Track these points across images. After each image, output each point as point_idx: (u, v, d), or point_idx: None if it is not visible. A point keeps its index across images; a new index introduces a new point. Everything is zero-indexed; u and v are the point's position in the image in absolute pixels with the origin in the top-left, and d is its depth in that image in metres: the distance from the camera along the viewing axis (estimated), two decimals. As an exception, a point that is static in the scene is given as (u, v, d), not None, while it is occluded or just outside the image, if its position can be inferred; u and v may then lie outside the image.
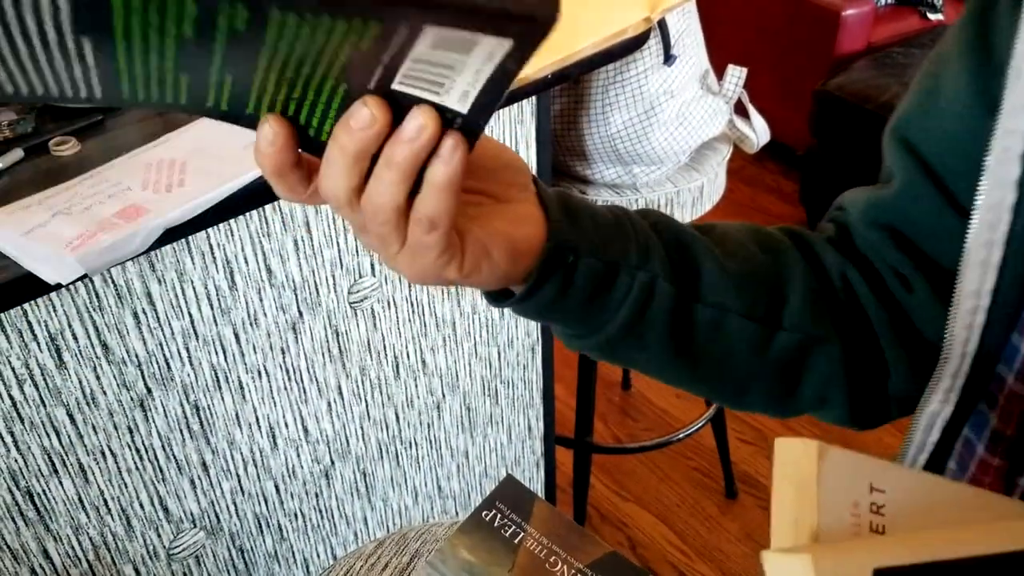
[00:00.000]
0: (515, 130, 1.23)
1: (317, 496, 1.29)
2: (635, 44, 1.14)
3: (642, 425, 2.19)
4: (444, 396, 1.38)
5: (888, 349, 0.53)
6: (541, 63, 1.03)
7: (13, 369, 0.92)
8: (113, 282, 0.95)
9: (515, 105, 1.21)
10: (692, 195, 1.56)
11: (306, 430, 1.22)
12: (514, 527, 0.84)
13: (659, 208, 1.54)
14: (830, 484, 0.37)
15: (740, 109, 1.59)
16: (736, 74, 1.51)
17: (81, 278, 0.78)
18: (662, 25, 1.38)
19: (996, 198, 0.44)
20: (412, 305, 1.25)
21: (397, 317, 1.25)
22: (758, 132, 1.61)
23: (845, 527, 0.35)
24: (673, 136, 1.46)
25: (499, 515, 0.85)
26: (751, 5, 2.74)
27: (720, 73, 1.54)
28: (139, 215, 0.80)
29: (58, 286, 0.77)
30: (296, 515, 1.28)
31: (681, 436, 1.78)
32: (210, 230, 0.99)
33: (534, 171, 1.29)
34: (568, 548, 0.82)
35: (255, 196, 0.88)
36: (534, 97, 1.21)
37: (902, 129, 0.52)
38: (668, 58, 1.41)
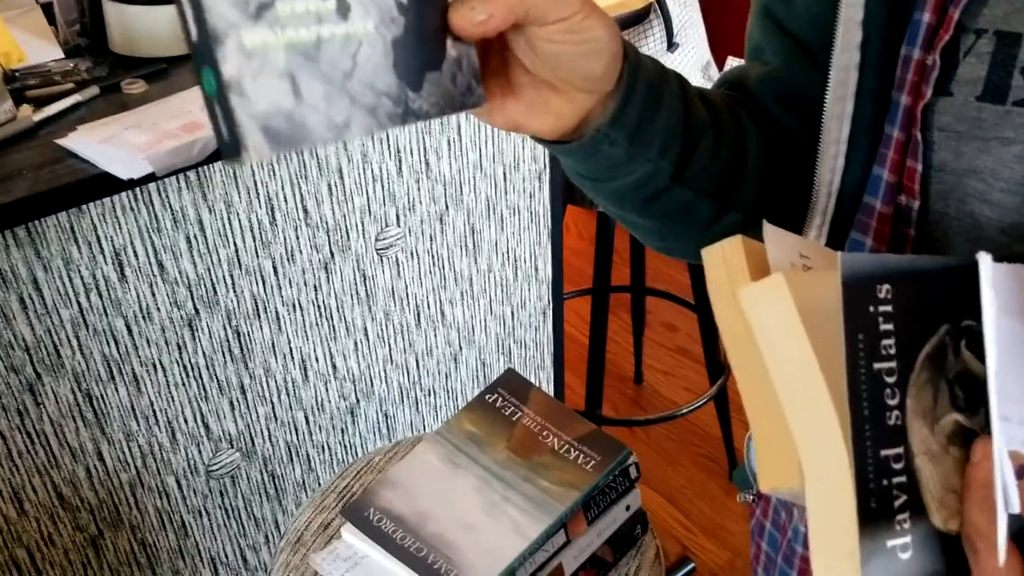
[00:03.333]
0: (528, 100, 1.37)
1: (343, 432, 1.41)
2: (635, 19, 1.28)
3: (652, 415, 2.28)
4: (461, 349, 1.50)
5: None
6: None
7: (82, 278, 1.06)
8: (170, 206, 1.09)
9: (528, 76, 1.34)
10: (695, 177, 1.68)
11: (334, 366, 1.35)
12: (513, 408, 0.95)
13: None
14: (774, 250, 0.47)
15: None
16: (735, 64, 1.65)
17: (149, 178, 0.92)
18: (665, 14, 1.51)
19: (845, 60, 0.54)
20: (433, 258, 1.38)
21: (419, 268, 1.37)
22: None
23: None
24: (676, 119, 1.59)
25: (500, 398, 0.97)
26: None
27: (721, 65, 1.68)
28: (199, 129, 0.94)
29: (130, 182, 0.91)
30: (323, 448, 1.39)
31: (684, 411, 1.88)
32: (255, 168, 1.13)
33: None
34: (559, 425, 0.93)
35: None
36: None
37: (772, 14, 0.62)
38: (671, 45, 1.54)
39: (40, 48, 1.12)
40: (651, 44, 1.52)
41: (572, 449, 0.91)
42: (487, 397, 0.96)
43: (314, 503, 1.03)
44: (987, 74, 0.50)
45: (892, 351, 0.40)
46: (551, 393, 1.69)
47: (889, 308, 0.40)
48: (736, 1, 2.96)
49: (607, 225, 1.69)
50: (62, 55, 1.13)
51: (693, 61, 1.61)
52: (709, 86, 1.72)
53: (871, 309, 0.40)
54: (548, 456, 0.90)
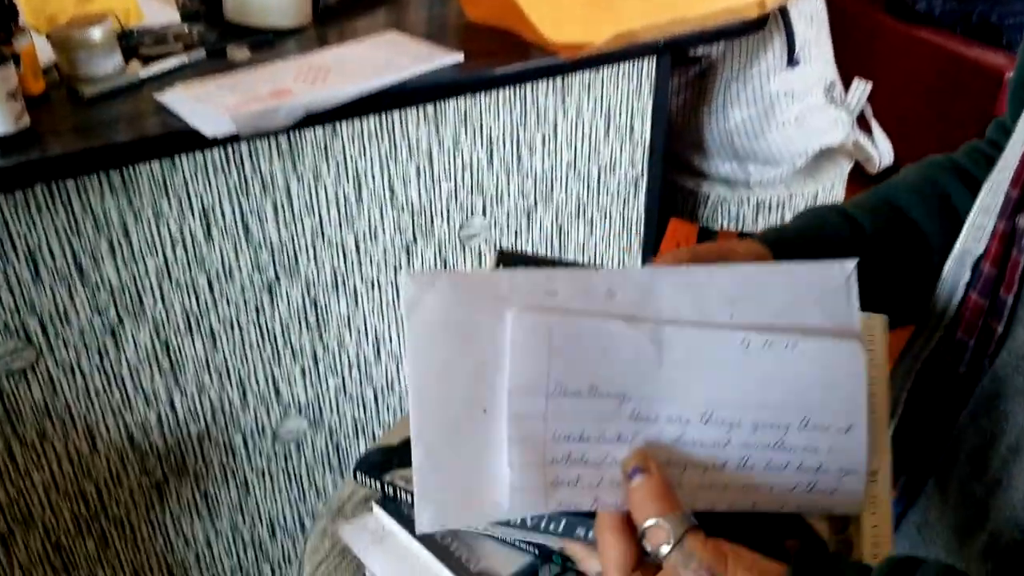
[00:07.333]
0: (631, 104, 1.34)
1: (409, 415, 1.41)
2: (750, 27, 1.23)
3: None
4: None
5: None
6: (654, 22, 1.13)
7: (170, 231, 1.10)
8: (260, 172, 1.12)
9: (634, 79, 1.32)
10: (806, 200, 1.61)
11: (407, 349, 1.35)
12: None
13: (770, 208, 1.60)
14: None
15: (867, 127, 1.64)
16: (860, 87, 1.57)
17: (234, 138, 0.95)
18: (788, 28, 1.46)
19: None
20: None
21: (502, 260, 1.36)
22: (881, 152, 1.65)
23: None
24: (790, 137, 1.53)
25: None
26: (910, 67, 2.74)
27: (847, 86, 1.60)
28: (287, 96, 0.96)
29: (214, 141, 0.94)
30: (390, 427, 1.40)
31: None
32: (345, 143, 1.15)
33: (647, 147, 1.40)
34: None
35: (383, 98, 1.03)
36: (653, 75, 1.32)
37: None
38: (791, 61, 1.48)
39: (159, 11, 1.17)
40: (769, 58, 1.47)
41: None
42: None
43: (359, 477, 1.03)
44: None
45: None
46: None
47: None
48: (864, 24, 2.85)
49: (710, 239, 1.64)
50: (178, 19, 1.18)
51: (815, 80, 1.55)
52: (833, 107, 1.63)
53: None
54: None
